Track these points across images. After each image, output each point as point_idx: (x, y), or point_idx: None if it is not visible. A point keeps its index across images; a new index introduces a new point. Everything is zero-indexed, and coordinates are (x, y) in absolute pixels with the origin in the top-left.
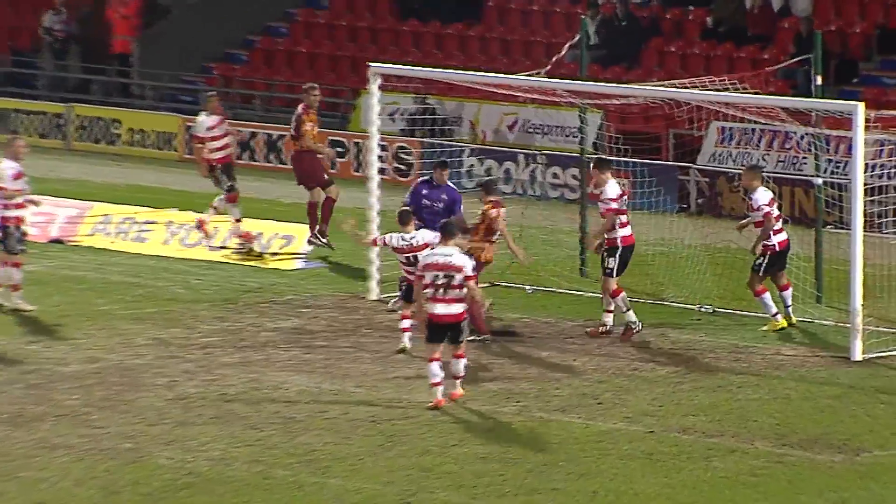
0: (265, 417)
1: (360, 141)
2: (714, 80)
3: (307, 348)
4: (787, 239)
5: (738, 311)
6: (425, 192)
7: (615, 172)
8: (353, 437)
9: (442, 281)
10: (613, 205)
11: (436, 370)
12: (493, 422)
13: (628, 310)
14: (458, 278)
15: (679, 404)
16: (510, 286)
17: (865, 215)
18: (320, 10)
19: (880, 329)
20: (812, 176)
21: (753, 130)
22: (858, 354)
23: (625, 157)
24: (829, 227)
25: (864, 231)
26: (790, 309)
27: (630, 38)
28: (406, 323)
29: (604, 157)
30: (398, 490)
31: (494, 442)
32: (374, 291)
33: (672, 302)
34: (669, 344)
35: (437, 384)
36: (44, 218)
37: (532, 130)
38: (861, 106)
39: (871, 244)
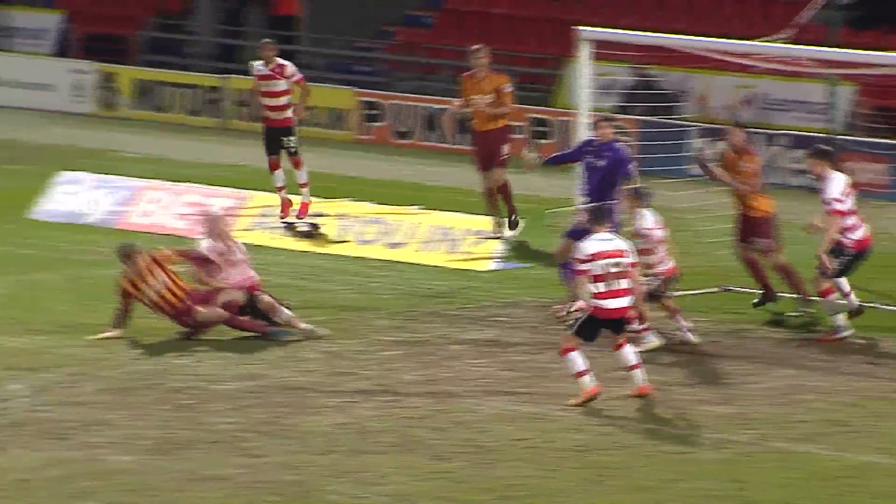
0: (454, 445)
1: (566, 119)
2: None
3: (504, 364)
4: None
5: None
6: (588, 148)
7: (869, 157)
8: (558, 469)
9: (613, 270)
10: (838, 206)
11: (577, 359)
12: (725, 452)
13: (837, 313)
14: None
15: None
16: (742, 290)
17: None
18: None
19: None
20: None
21: None
22: None
23: (883, 137)
24: None
25: None
26: None
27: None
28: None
29: (823, 146)
30: None
31: (725, 477)
32: None
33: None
34: None
35: (583, 373)
36: (196, 210)
37: (771, 107)
38: None
39: None
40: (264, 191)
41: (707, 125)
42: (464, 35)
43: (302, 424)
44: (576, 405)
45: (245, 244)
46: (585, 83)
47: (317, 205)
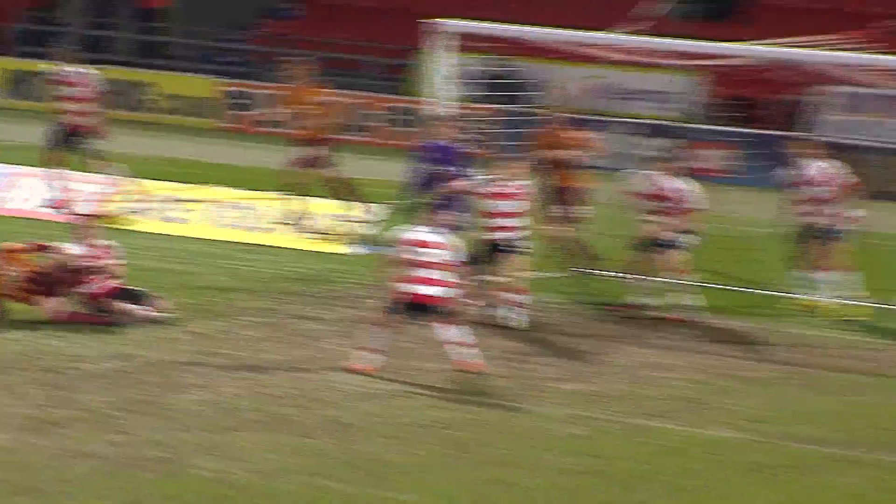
0: (317, 422)
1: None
2: (838, 39)
3: (364, 343)
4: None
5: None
6: (430, 151)
7: (717, 144)
8: (420, 445)
9: (427, 259)
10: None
11: (380, 336)
12: (582, 428)
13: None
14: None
15: (793, 409)
16: (586, 272)
17: None
18: None
19: None
20: None
21: (875, 97)
22: None
23: (726, 126)
24: None
25: None
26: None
27: None
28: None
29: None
30: None
31: (582, 451)
32: None
33: (783, 292)
34: (777, 339)
35: (376, 350)
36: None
37: (624, 96)
38: None
39: None
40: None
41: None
42: (332, 27)
43: (170, 402)
44: (348, 369)
45: (113, 226)
46: (443, 74)
47: (184, 190)
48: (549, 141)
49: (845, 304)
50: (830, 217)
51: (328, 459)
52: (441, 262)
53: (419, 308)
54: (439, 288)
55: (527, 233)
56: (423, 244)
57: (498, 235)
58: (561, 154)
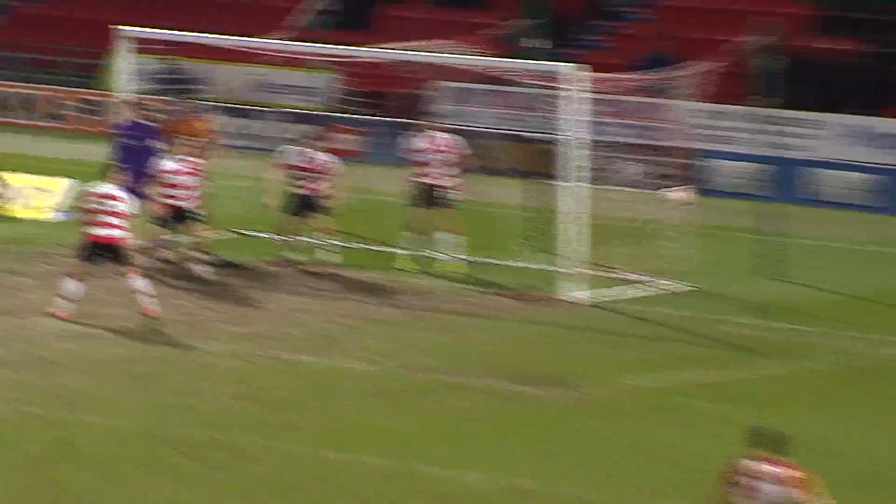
0: (23, 360)
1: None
2: (440, 44)
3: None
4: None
5: (479, 260)
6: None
7: (351, 129)
8: (109, 378)
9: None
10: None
11: (70, 284)
12: (237, 361)
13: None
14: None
15: (412, 344)
16: (244, 233)
17: (585, 168)
18: None
19: (595, 274)
20: (533, 132)
21: (477, 91)
22: (579, 297)
23: (359, 114)
24: (550, 178)
25: (586, 183)
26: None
27: (361, 4)
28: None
29: None
30: (145, 425)
31: (238, 381)
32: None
33: (404, 249)
34: (401, 288)
35: (67, 297)
36: None
37: (277, 91)
38: (577, 67)
39: (589, 195)
40: None
41: (223, 104)
42: (33, 34)
43: None
44: (50, 314)
45: None
46: (124, 71)
47: None
48: (185, 128)
49: (453, 260)
50: (444, 186)
51: (31, 390)
52: (120, 212)
53: (102, 248)
54: (118, 231)
55: (200, 202)
56: (109, 196)
57: (181, 203)
58: (195, 138)
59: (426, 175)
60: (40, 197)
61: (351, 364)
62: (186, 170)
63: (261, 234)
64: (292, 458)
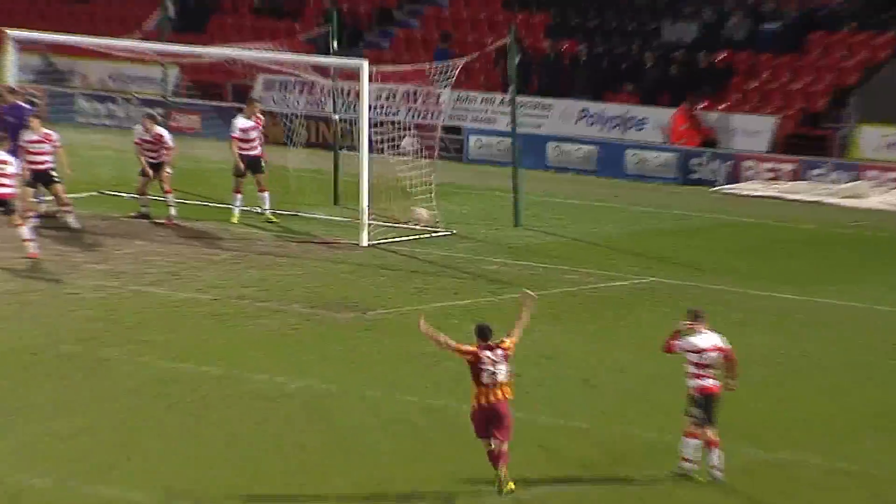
0: None
1: None
2: (261, 45)
3: None
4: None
5: (285, 212)
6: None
7: (189, 111)
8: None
9: None
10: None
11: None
12: (102, 293)
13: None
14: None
15: (238, 279)
16: (107, 193)
17: (369, 141)
18: None
19: (380, 224)
20: (331, 114)
21: (290, 82)
22: (365, 241)
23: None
24: (343, 150)
25: (369, 153)
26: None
27: (199, 12)
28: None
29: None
30: (29, 342)
31: (100, 307)
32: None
33: (233, 206)
34: (229, 236)
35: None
36: None
37: (129, 80)
38: (366, 63)
39: (374, 162)
40: None
41: (86, 92)
42: None
43: None
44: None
45: None
46: (8, 65)
47: None
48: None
49: (270, 213)
50: (261, 156)
51: None
52: (10, 173)
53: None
54: (9, 189)
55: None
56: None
57: (41, 168)
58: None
59: (249, 148)
60: None
61: (190, 294)
62: (44, 139)
63: (120, 194)
64: (145, 367)
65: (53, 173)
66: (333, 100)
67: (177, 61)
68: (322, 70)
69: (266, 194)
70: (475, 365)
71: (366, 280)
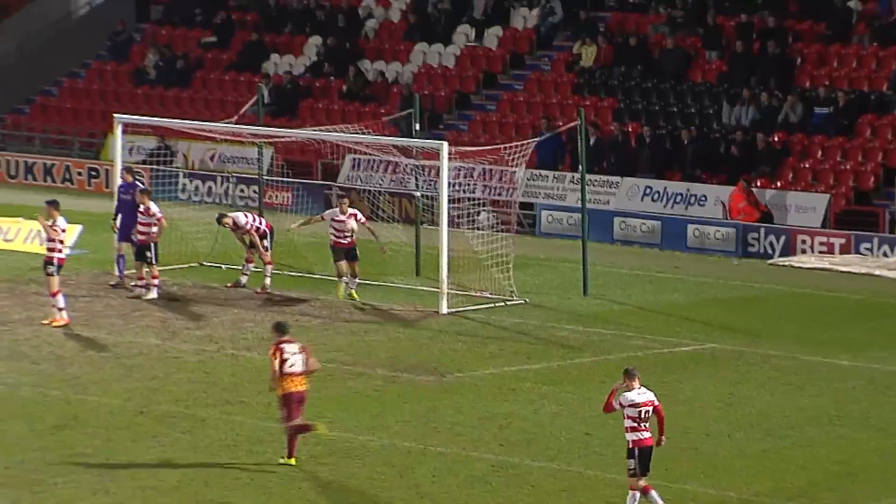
0: (41, 354)
1: (108, 168)
2: (348, 127)
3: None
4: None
5: (371, 283)
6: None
7: (282, 188)
8: (104, 368)
9: None
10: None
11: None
12: (201, 356)
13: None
14: None
15: (326, 344)
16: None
17: (448, 216)
18: (80, 79)
19: (458, 293)
20: (413, 191)
21: (375, 161)
22: (444, 309)
23: (288, 177)
24: (424, 224)
25: (448, 227)
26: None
27: (292, 97)
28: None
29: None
30: (132, 402)
31: (199, 369)
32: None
33: (318, 275)
34: (319, 304)
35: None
36: None
37: (228, 160)
38: (445, 143)
39: (452, 235)
40: None
41: (189, 171)
42: (47, 119)
43: None
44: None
45: None
46: (119, 146)
47: None
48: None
49: (355, 290)
50: (352, 246)
51: (48, 377)
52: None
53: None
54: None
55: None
56: None
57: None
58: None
59: (342, 237)
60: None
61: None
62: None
63: (217, 265)
64: (239, 426)
65: (148, 252)
66: (415, 178)
67: (271, 142)
68: (404, 150)
69: (356, 280)
70: (279, 357)
71: (444, 345)
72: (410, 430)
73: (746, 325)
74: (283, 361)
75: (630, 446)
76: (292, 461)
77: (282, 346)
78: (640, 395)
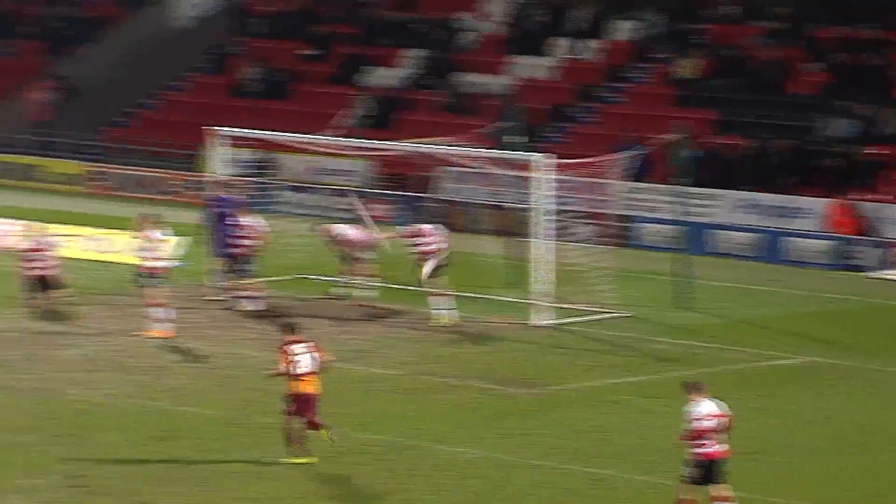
0: (140, 366)
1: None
2: (445, 140)
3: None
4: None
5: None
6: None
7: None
8: (201, 379)
9: None
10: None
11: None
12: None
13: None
14: None
15: (424, 356)
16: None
17: (546, 229)
18: (180, 92)
19: (556, 305)
20: (510, 203)
21: (472, 174)
22: (541, 322)
23: (388, 190)
24: (521, 237)
25: (546, 240)
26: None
27: (389, 109)
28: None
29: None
30: (228, 413)
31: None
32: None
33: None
34: (416, 317)
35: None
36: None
37: (327, 174)
38: (542, 156)
39: (550, 248)
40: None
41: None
42: (147, 132)
43: (56, 356)
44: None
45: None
46: (216, 159)
47: (63, 229)
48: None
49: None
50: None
51: (146, 388)
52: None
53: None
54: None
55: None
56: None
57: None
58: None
59: (434, 258)
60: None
61: (379, 370)
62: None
63: (314, 277)
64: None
65: (245, 265)
66: (512, 190)
67: (368, 155)
68: (503, 162)
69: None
70: (286, 357)
71: (540, 358)
72: (507, 443)
73: (843, 339)
74: (290, 362)
75: (695, 457)
76: (306, 460)
77: (289, 346)
78: (706, 406)
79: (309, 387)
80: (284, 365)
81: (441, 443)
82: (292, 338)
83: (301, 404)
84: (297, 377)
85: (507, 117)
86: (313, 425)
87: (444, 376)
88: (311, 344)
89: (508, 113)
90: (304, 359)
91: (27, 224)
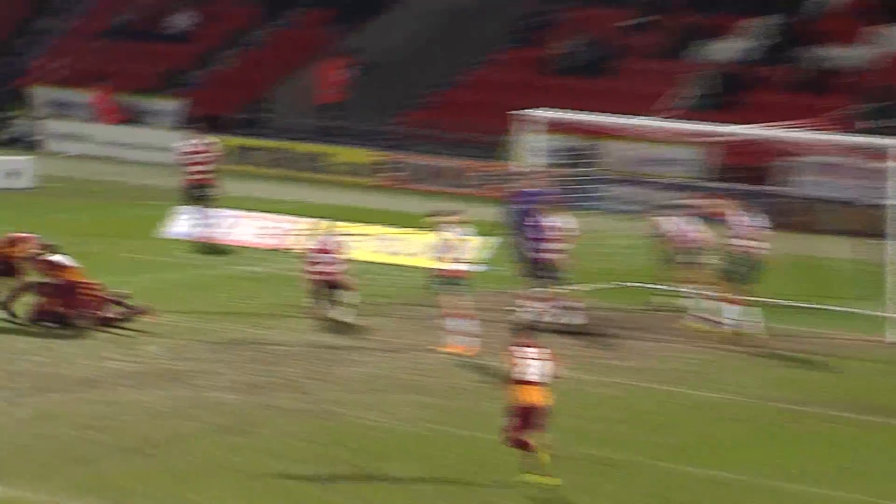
0: (439, 386)
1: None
2: (793, 124)
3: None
4: None
5: (812, 306)
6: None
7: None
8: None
9: None
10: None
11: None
12: (617, 390)
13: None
14: None
15: (764, 378)
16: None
17: None
18: (483, 70)
19: None
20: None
21: (836, 163)
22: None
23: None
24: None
25: None
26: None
27: (729, 88)
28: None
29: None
30: (554, 445)
31: (619, 407)
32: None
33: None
34: (751, 332)
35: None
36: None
37: (646, 163)
38: None
39: None
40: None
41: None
42: (443, 115)
43: (339, 374)
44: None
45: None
46: (525, 147)
47: (352, 227)
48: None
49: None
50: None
51: (438, 412)
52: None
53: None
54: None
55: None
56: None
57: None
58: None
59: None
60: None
61: (710, 394)
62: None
63: (637, 284)
64: (661, 472)
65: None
66: (865, 183)
67: (700, 142)
68: (858, 151)
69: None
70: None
71: None
72: (866, 483)
73: None
74: (513, 365)
75: None
76: (543, 479)
77: (517, 348)
78: None
79: (535, 397)
80: (510, 368)
81: (791, 481)
82: (523, 340)
83: (522, 417)
84: (520, 384)
85: (868, 97)
86: (522, 443)
87: (786, 401)
88: (544, 351)
89: (870, 92)
90: (530, 365)
91: (313, 221)
